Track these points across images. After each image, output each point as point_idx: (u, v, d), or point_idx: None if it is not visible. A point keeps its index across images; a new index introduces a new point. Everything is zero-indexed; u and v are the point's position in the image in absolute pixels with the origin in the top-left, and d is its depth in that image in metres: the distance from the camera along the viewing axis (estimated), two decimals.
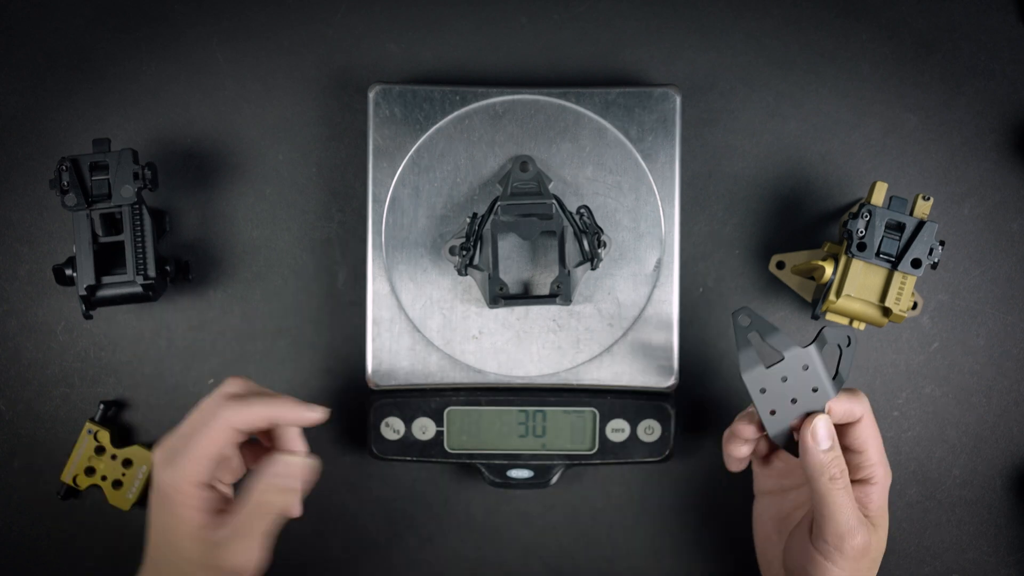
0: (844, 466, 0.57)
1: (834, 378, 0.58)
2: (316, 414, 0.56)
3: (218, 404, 0.54)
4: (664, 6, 0.70)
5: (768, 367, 0.58)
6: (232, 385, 0.56)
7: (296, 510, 0.56)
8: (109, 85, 0.69)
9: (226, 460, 0.57)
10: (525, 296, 0.63)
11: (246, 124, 0.69)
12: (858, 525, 0.56)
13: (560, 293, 0.61)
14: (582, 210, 0.61)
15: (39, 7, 0.69)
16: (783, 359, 0.58)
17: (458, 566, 0.69)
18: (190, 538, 0.53)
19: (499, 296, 0.61)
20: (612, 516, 0.69)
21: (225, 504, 0.56)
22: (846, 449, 0.59)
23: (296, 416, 0.56)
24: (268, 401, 0.55)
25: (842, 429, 0.59)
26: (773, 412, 0.58)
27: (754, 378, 0.58)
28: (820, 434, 0.57)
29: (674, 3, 0.70)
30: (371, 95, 0.64)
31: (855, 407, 0.58)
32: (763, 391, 0.58)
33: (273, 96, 0.69)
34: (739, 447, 0.61)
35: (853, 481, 0.58)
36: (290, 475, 0.55)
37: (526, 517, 0.69)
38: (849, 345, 0.58)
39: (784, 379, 0.58)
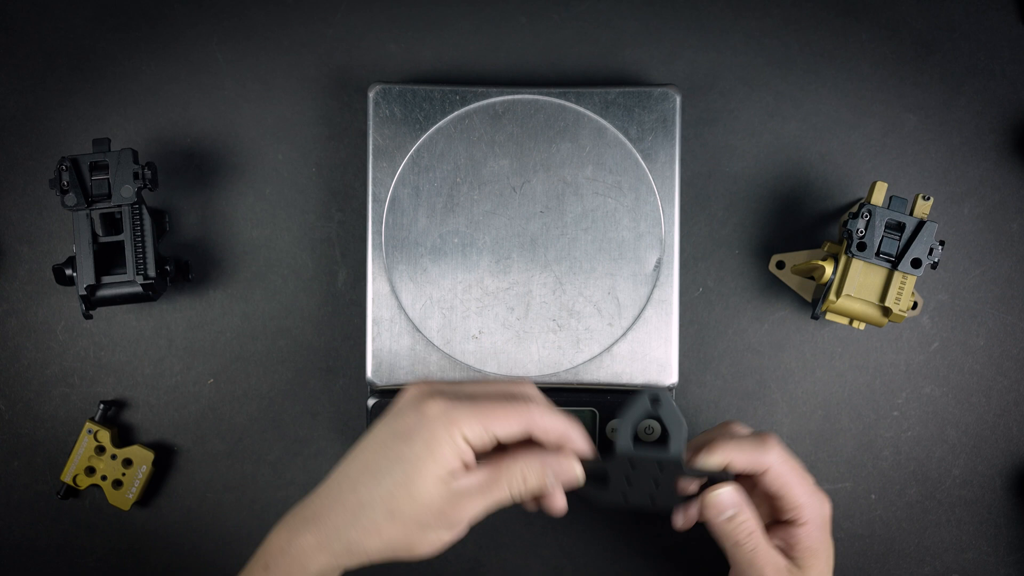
0: (752, 527, 0.55)
1: (667, 446, 0.54)
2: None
3: (521, 407, 0.53)
4: (664, 6, 0.70)
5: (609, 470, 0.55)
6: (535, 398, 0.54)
7: (559, 503, 0.55)
8: (109, 85, 0.69)
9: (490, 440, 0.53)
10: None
11: (246, 124, 0.69)
12: None
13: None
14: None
15: (39, 7, 0.69)
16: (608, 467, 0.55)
17: (458, 566, 0.69)
18: (435, 479, 0.51)
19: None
20: (612, 516, 0.69)
21: (472, 464, 0.53)
22: (766, 495, 0.56)
23: (581, 448, 0.54)
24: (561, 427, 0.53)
25: (756, 477, 0.56)
26: (652, 499, 0.55)
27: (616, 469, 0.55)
28: (711, 511, 0.55)
29: (674, 3, 0.70)
30: (371, 95, 0.64)
31: (760, 457, 0.55)
32: (628, 481, 0.55)
33: (273, 96, 0.69)
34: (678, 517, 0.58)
35: (778, 523, 0.56)
36: (558, 470, 0.54)
37: (526, 517, 0.69)
38: (660, 403, 0.54)
39: (628, 480, 0.55)
